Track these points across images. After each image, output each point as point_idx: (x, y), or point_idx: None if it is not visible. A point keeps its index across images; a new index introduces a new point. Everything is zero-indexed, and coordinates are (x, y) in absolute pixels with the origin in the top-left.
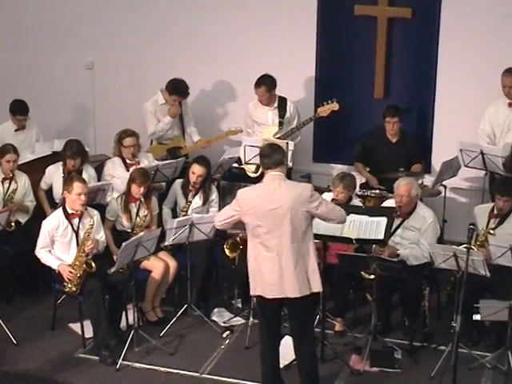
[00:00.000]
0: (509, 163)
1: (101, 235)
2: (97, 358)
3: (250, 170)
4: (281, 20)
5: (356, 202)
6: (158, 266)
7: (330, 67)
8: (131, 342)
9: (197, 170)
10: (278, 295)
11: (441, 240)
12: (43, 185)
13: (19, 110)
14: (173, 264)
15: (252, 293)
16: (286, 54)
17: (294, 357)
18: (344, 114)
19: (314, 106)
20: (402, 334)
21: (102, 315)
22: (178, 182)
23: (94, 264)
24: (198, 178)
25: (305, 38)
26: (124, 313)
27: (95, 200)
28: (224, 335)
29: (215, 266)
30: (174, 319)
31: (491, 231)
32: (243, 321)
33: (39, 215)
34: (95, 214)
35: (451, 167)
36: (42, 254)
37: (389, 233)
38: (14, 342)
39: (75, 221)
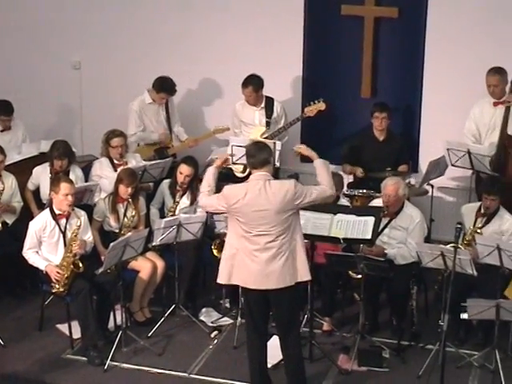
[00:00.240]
0: (495, 162)
1: (88, 236)
2: (85, 358)
3: (237, 170)
4: (268, 20)
5: (343, 201)
6: (146, 266)
7: (317, 67)
8: (119, 343)
9: (184, 170)
10: (259, 286)
11: (428, 239)
12: (30, 185)
13: (3, 110)
14: (160, 264)
15: (223, 281)
16: (273, 53)
17: (281, 357)
18: (331, 113)
19: (301, 105)
20: (389, 334)
21: (90, 316)
22: (166, 182)
23: (81, 264)
24: (186, 178)
25: (292, 37)
26: (112, 313)
27: (82, 200)
28: (212, 335)
29: (203, 265)
30: (162, 319)
31: (478, 230)
32: (231, 321)
33: (26, 216)
34: (82, 214)
35: (438, 166)
36: (30, 254)
37: (376, 232)
38: (2, 343)
39: (62, 221)
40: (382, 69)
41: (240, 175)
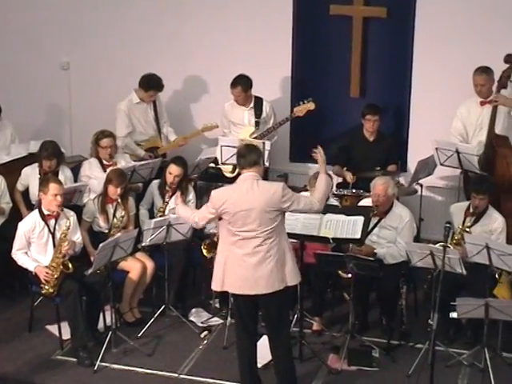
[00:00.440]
0: (483, 161)
1: (77, 236)
2: (74, 359)
3: (226, 170)
4: (256, 20)
5: (333, 201)
6: (136, 266)
7: (306, 67)
8: (109, 343)
9: (174, 171)
10: (248, 292)
11: (417, 238)
12: (19, 186)
13: None
14: (150, 265)
15: (217, 288)
16: (262, 53)
17: (271, 357)
18: (320, 113)
19: (290, 105)
20: (379, 333)
21: (80, 317)
22: (155, 182)
23: (70, 265)
24: (175, 179)
25: (280, 37)
26: (101, 314)
27: (72, 201)
28: (202, 335)
29: (192, 266)
30: (152, 320)
31: (467, 229)
32: (221, 321)
33: (15, 217)
34: (72, 214)
35: (427, 166)
36: (19, 255)
37: (366, 232)
38: None
39: (51, 222)
40: (371, 68)
41: (229, 175)
